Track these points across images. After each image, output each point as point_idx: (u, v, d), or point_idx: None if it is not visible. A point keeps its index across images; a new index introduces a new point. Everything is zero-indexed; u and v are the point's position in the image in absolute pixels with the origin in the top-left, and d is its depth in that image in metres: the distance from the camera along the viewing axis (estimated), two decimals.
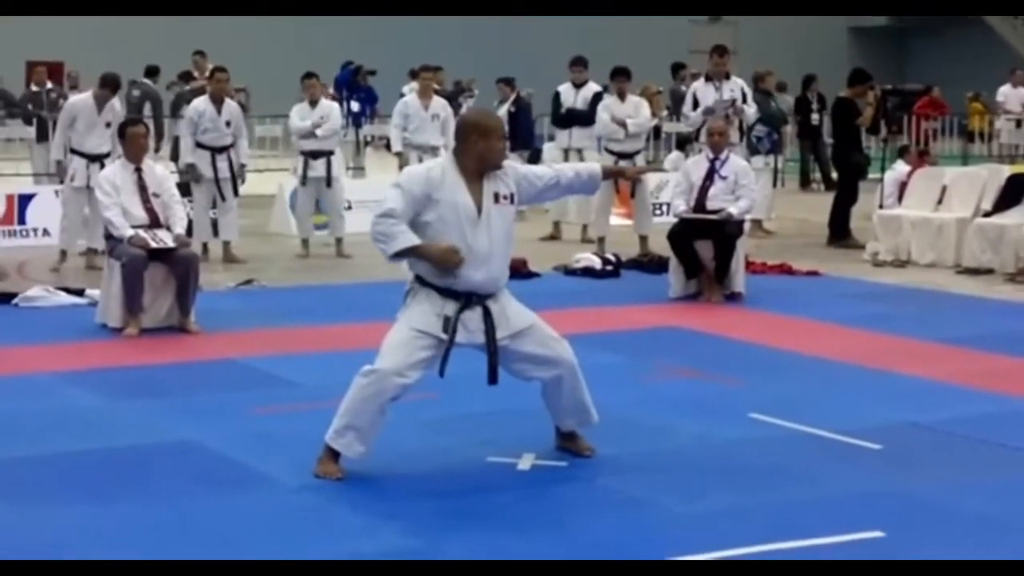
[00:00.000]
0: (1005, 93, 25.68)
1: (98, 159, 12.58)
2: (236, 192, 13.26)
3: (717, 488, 6.15)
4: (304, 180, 13.82)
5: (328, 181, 13.82)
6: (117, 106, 13.23)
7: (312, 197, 13.97)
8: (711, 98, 13.92)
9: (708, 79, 14.26)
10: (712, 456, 6.65)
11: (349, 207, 15.40)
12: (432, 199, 6.30)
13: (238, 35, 29.03)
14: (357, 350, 9.12)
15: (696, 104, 14.02)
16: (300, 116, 13.90)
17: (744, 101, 14.02)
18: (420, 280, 6.39)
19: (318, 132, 13.73)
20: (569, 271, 12.74)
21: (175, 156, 14.71)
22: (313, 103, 13.92)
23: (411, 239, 6.27)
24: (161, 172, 10.29)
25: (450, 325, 6.28)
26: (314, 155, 13.77)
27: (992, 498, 6.00)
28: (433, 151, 14.36)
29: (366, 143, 21.53)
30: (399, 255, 6.34)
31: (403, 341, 6.31)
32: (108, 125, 12.62)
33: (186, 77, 19.38)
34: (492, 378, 6.36)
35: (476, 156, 6.33)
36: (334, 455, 6.23)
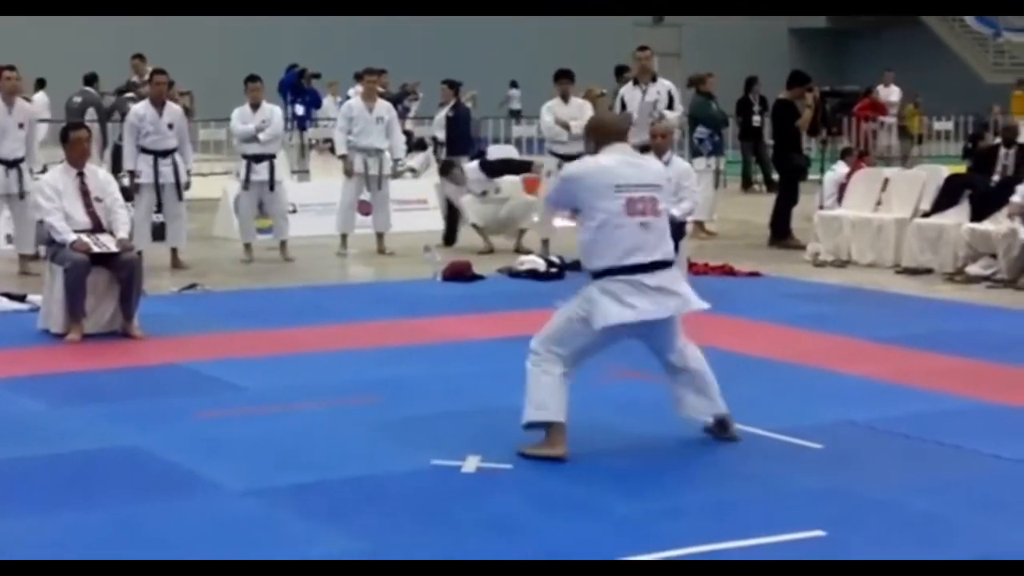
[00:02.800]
0: (882, 93, 26.01)
1: (14, 164, 12.49)
2: (180, 197, 13.18)
3: (660, 489, 6.21)
4: (247, 184, 13.79)
5: (271, 185, 13.79)
6: (27, 106, 13.11)
7: (254, 201, 13.92)
8: (637, 101, 14.05)
9: (635, 82, 14.39)
10: (656, 456, 6.70)
11: (294, 210, 15.39)
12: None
13: (180, 38, 28.86)
14: (301, 353, 9.18)
15: (624, 107, 14.16)
16: (242, 120, 13.86)
17: (670, 104, 14.08)
18: None
19: (260, 136, 13.70)
20: (514, 273, 12.78)
21: (116, 167, 14.57)
22: (255, 106, 13.89)
23: None
24: (104, 176, 10.24)
25: None
26: (256, 159, 13.74)
27: (930, 496, 6.07)
28: (378, 154, 14.38)
29: (310, 146, 21.50)
30: None
31: None
32: (21, 126, 12.54)
33: (126, 90, 19.20)
34: None
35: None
36: None
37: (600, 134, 6.81)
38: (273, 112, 14.13)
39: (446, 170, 15.23)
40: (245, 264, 13.62)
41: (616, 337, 6.70)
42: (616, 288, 6.53)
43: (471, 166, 15.03)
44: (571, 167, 7.04)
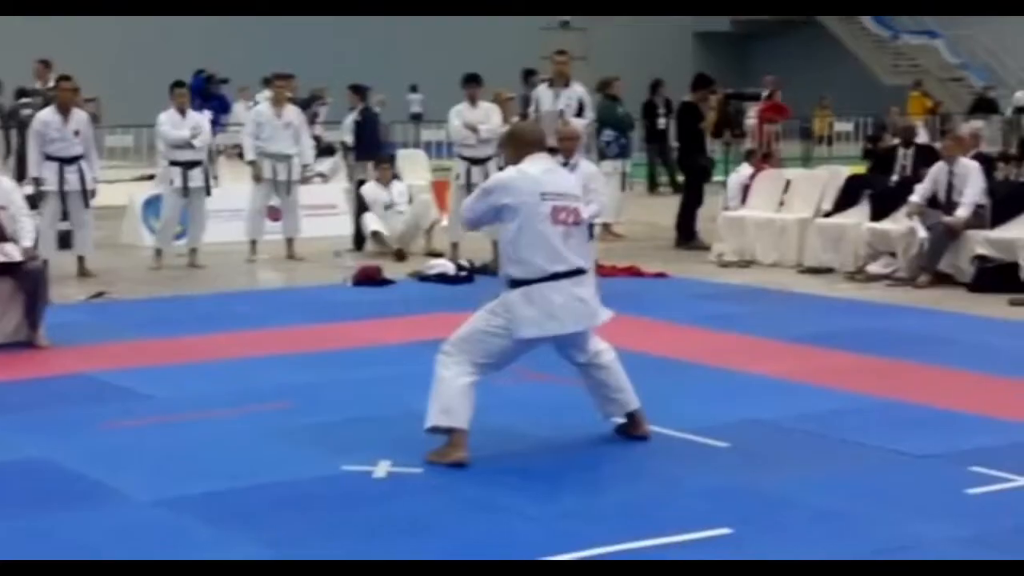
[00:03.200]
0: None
1: None
2: (87, 204, 13.06)
3: (569, 490, 6.27)
4: (186, 191, 13.69)
5: (208, 190, 13.76)
6: None
7: (180, 207, 13.84)
8: (550, 103, 14.18)
9: (551, 84, 14.49)
10: (564, 458, 6.77)
11: None
12: None
13: (84, 43, 28.52)
14: (211, 361, 9.16)
15: (538, 109, 14.27)
16: (173, 125, 13.75)
17: (580, 111, 14.18)
18: None
19: (195, 143, 13.64)
20: (423, 277, 12.82)
21: (20, 174, 14.39)
22: (181, 112, 13.82)
23: None
24: (8, 184, 10.14)
25: None
26: (190, 165, 13.68)
27: (834, 492, 6.18)
28: (286, 159, 14.35)
29: (219, 152, 21.37)
30: None
31: None
32: None
33: (22, 93, 18.94)
34: None
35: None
36: None
37: (521, 144, 6.90)
38: (201, 119, 14.14)
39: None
40: (154, 271, 13.52)
41: (533, 346, 6.79)
42: (538, 298, 6.60)
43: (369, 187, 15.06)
44: (495, 177, 7.10)
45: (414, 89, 31.55)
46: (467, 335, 6.70)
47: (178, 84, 14.10)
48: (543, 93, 14.42)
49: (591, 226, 11.50)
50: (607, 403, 7.04)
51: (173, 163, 13.77)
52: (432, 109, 23.49)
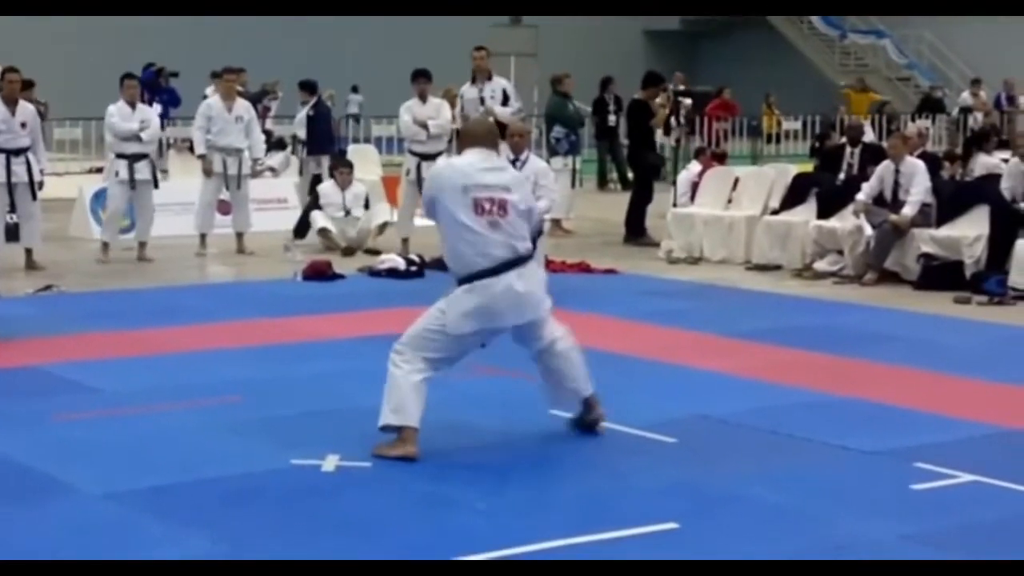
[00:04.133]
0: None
1: None
2: (34, 197, 12.95)
3: (518, 484, 6.31)
4: (133, 184, 13.61)
5: (156, 183, 13.68)
6: None
7: (125, 200, 13.76)
8: (474, 98, 14.30)
9: (473, 80, 14.59)
10: (514, 453, 6.81)
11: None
12: None
13: (34, 35, 28.27)
14: (160, 354, 9.13)
15: (463, 107, 14.39)
16: (122, 118, 13.65)
17: (505, 102, 14.26)
18: None
19: (143, 136, 13.56)
20: (374, 272, 12.82)
21: None
22: (131, 105, 13.73)
23: None
24: None
25: None
26: (137, 158, 13.59)
27: (781, 487, 6.25)
28: (237, 153, 14.30)
29: (169, 145, 21.25)
30: None
31: None
32: None
33: None
34: None
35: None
36: None
37: (464, 137, 7.05)
38: (151, 112, 14.07)
39: None
40: (102, 264, 13.45)
41: (478, 339, 6.80)
42: (478, 292, 6.63)
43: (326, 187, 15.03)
44: (431, 169, 7.18)
45: (355, 90, 31.47)
46: (417, 332, 6.73)
47: (128, 76, 14.01)
48: (467, 90, 14.60)
49: (540, 222, 11.60)
50: (560, 391, 7.06)
51: (120, 155, 13.68)
52: (379, 106, 23.45)
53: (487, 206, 6.64)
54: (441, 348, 6.69)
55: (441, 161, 6.98)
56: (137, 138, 13.52)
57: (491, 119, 7.32)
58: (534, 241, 6.97)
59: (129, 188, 13.60)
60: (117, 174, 13.72)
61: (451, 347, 6.73)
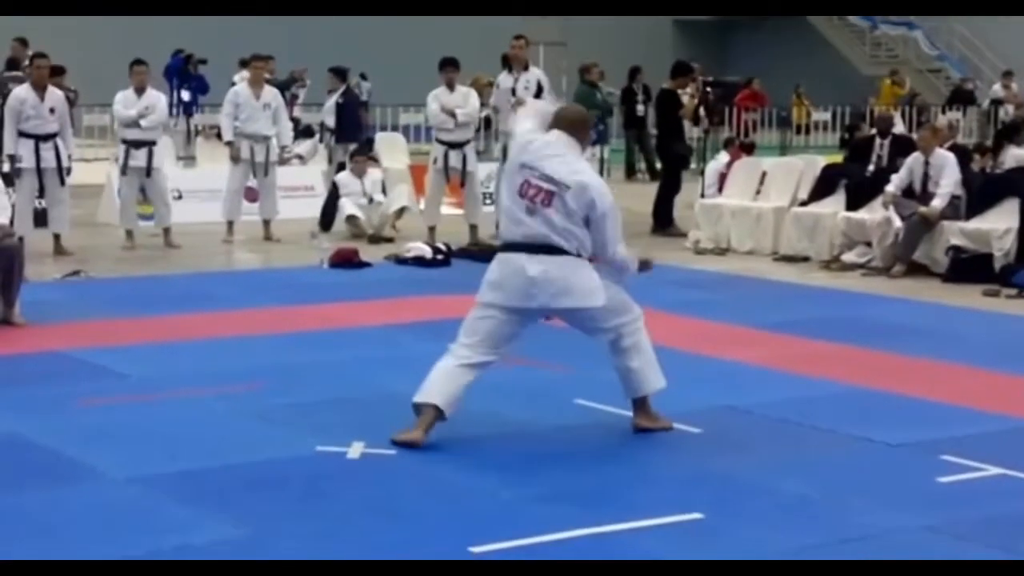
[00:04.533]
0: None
1: None
2: (63, 182, 13.01)
3: (543, 473, 6.30)
4: (124, 169, 13.64)
5: (148, 171, 13.65)
6: None
7: (134, 187, 13.79)
8: (507, 87, 14.24)
9: (509, 69, 14.51)
10: (539, 442, 6.80)
11: (179, 196, 15.31)
12: None
13: (65, 22, 28.36)
14: (186, 340, 9.17)
15: (496, 95, 14.36)
16: (125, 104, 13.69)
17: (539, 93, 14.17)
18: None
19: (143, 123, 13.56)
20: (400, 260, 12.83)
21: None
22: (140, 91, 13.74)
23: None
24: None
25: None
26: (136, 144, 13.61)
27: (806, 478, 6.22)
28: (264, 140, 14.32)
29: (197, 132, 21.31)
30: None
31: None
32: None
33: (11, 65, 18.91)
34: None
35: (584, 148, 7.01)
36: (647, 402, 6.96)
37: (555, 118, 6.82)
38: (158, 98, 13.99)
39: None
40: (129, 251, 13.50)
41: (524, 317, 6.68)
42: (496, 264, 6.65)
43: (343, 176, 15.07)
44: None
45: (363, 77, 31.44)
46: (465, 322, 6.71)
47: (137, 62, 13.97)
48: (503, 79, 14.52)
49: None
50: (623, 384, 6.98)
51: (123, 141, 13.72)
52: (412, 93, 23.43)
53: (531, 192, 6.53)
54: (479, 328, 6.63)
55: (528, 133, 6.81)
56: (136, 124, 13.53)
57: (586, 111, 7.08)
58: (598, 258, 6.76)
59: (134, 175, 13.60)
60: (118, 160, 13.77)
61: (487, 325, 6.63)
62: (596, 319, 6.78)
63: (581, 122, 6.89)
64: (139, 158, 13.57)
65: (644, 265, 7.14)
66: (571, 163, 6.62)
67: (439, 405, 6.56)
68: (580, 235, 6.58)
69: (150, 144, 13.68)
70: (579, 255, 6.60)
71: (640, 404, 6.99)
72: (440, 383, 6.58)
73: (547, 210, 6.52)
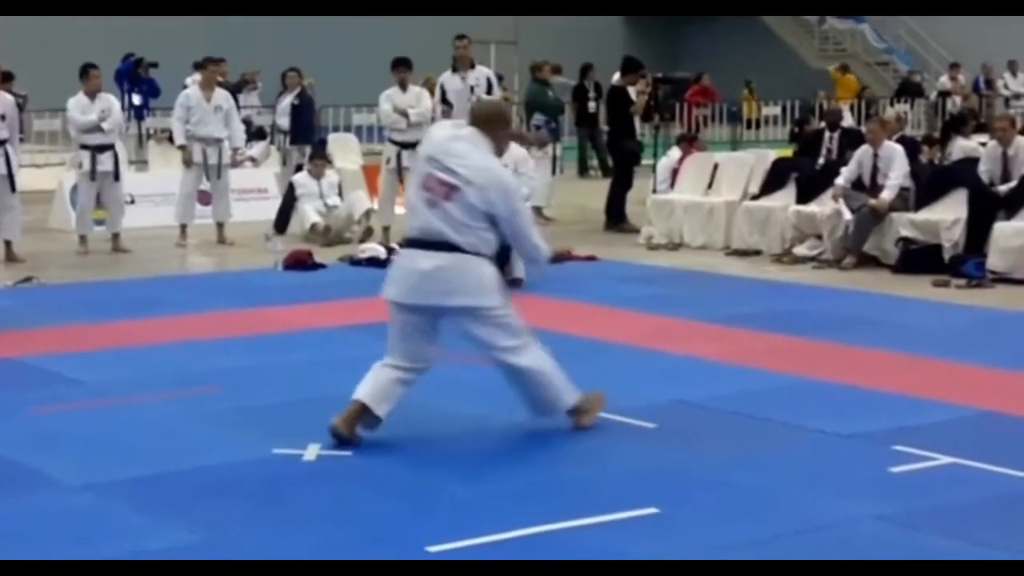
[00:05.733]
0: None
1: None
2: (13, 189, 12.90)
3: (499, 471, 6.34)
4: (93, 175, 13.56)
5: (116, 175, 13.63)
6: None
7: (95, 192, 13.73)
8: (456, 88, 14.20)
9: (454, 69, 14.48)
10: (493, 440, 6.84)
11: (132, 201, 15.24)
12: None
13: (13, 24, 28.13)
14: (141, 345, 9.13)
15: (444, 95, 14.28)
16: (80, 109, 13.61)
17: (489, 90, 14.21)
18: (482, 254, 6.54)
19: (104, 126, 13.49)
20: (355, 261, 12.81)
21: None
22: (92, 95, 13.67)
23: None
24: None
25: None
26: (100, 149, 13.55)
27: (760, 471, 6.27)
28: (217, 143, 14.28)
29: (148, 136, 21.21)
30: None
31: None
32: None
33: None
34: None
35: (500, 145, 6.73)
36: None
37: (470, 115, 6.86)
38: (112, 102, 13.93)
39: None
40: (82, 256, 13.43)
41: (425, 316, 6.59)
42: (395, 260, 6.72)
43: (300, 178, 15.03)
44: None
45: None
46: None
47: (91, 66, 13.87)
48: (448, 79, 14.44)
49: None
50: (531, 406, 6.87)
51: (83, 147, 13.64)
52: (363, 93, 23.38)
53: (433, 185, 6.47)
54: (394, 340, 6.65)
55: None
56: (99, 128, 13.46)
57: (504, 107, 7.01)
58: (506, 255, 6.66)
59: (100, 179, 13.54)
60: (81, 166, 13.69)
61: (394, 333, 6.65)
62: (486, 332, 6.62)
63: (494, 117, 6.77)
64: (105, 162, 13.51)
65: (558, 257, 7.08)
66: (477, 159, 6.51)
67: (357, 398, 6.58)
68: (480, 232, 6.49)
69: (113, 148, 13.63)
70: (477, 253, 6.52)
71: (575, 409, 6.92)
72: (366, 381, 6.63)
73: (447, 204, 6.44)
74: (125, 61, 24.07)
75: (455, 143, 6.58)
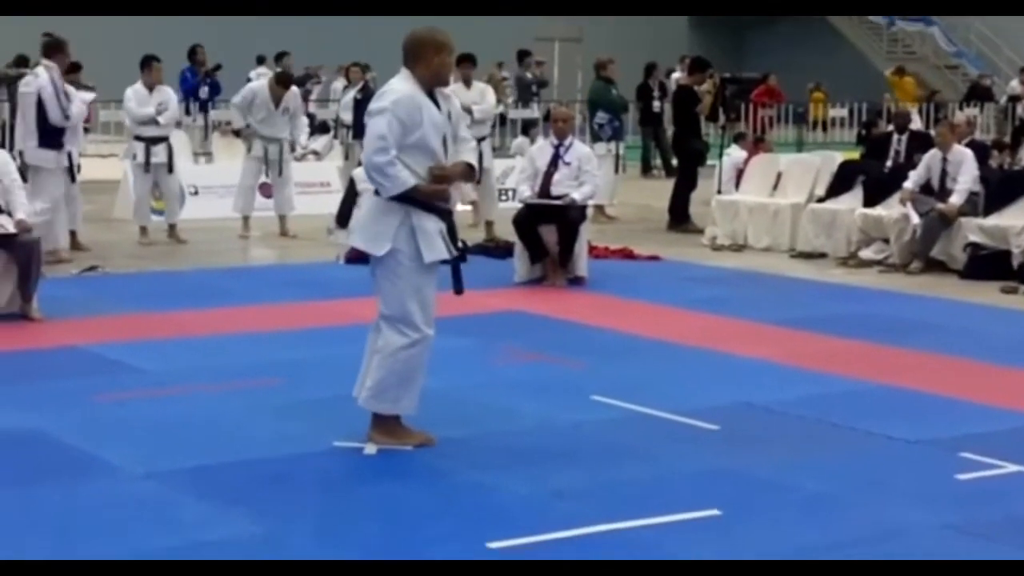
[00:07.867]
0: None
1: None
2: (73, 179, 12.97)
3: (560, 469, 6.28)
4: (147, 166, 13.64)
5: (170, 167, 13.67)
6: None
7: (152, 183, 13.80)
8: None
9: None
10: (556, 438, 6.79)
11: (196, 192, 15.32)
12: (416, 120, 6.26)
13: (82, 17, 28.40)
14: (203, 336, 9.17)
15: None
16: (138, 101, 13.67)
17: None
18: (412, 202, 6.31)
19: (160, 119, 13.55)
20: None
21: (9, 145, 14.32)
22: (150, 87, 13.73)
23: (408, 182, 6.25)
24: (2, 157, 10.12)
25: (449, 242, 6.42)
26: (155, 141, 13.61)
27: (824, 476, 6.20)
28: (278, 141, 14.28)
29: (213, 128, 21.33)
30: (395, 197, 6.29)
31: (421, 289, 6.40)
32: None
33: (21, 63, 18.91)
34: (461, 286, 6.57)
35: (432, 72, 6.37)
36: (395, 419, 6.43)
37: None
38: (170, 94, 13.99)
39: None
40: (145, 247, 13.51)
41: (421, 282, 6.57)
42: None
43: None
44: None
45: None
46: None
47: (154, 58, 13.89)
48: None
49: (583, 207, 11.58)
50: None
51: (137, 138, 13.70)
52: None
53: None
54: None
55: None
56: (154, 121, 13.52)
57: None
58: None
59: (155, 171, 13.59)
60: (135, 157, 13.75)
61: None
62: (381, 291, 6.52)
63: (411, 46, 6.42)
64: (159, 154, 13.56)
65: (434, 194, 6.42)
66: (379, 94, 6.40)
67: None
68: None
69: (167, 140, 13.69)
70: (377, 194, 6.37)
71: (379, 417, 6.52)
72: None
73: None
74: (190, 70, 24.05)
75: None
